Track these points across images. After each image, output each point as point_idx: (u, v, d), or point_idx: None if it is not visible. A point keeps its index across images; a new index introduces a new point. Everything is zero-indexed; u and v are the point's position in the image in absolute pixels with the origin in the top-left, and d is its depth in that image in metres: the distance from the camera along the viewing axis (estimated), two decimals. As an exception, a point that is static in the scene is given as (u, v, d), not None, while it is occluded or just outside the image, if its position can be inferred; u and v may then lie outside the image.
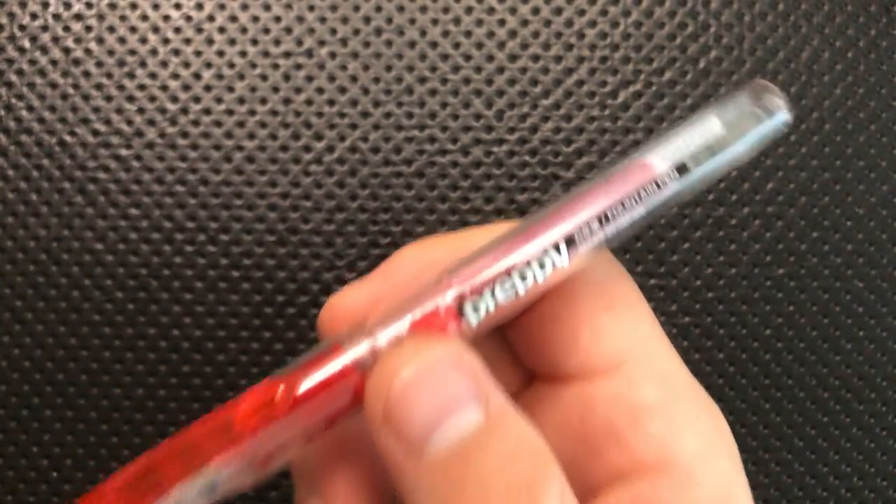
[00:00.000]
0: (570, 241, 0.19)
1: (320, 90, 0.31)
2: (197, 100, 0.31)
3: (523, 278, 0.19)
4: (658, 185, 0.19)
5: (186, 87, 0.31)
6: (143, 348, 0.31)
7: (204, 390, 0.31)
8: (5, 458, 0.31)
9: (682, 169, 0.19)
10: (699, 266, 0.31)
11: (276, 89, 0.31)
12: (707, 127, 0.19)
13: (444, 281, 0.19)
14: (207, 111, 0.31)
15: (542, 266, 0.19)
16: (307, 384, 0.18)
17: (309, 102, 0.31)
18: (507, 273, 0.19)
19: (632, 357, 0.20)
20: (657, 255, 0.31)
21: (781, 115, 0.20)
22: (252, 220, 0.31)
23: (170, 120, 0.31)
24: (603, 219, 0.19)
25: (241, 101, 0.31)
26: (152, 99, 0.31)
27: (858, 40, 0.32)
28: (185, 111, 0.31)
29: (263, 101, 0.31)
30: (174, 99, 0.31)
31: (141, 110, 0.31)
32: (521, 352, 0.21)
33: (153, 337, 0.31)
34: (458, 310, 0.18)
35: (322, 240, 0.31)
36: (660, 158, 0.19)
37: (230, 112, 0.31)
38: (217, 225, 0.31)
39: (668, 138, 0.20)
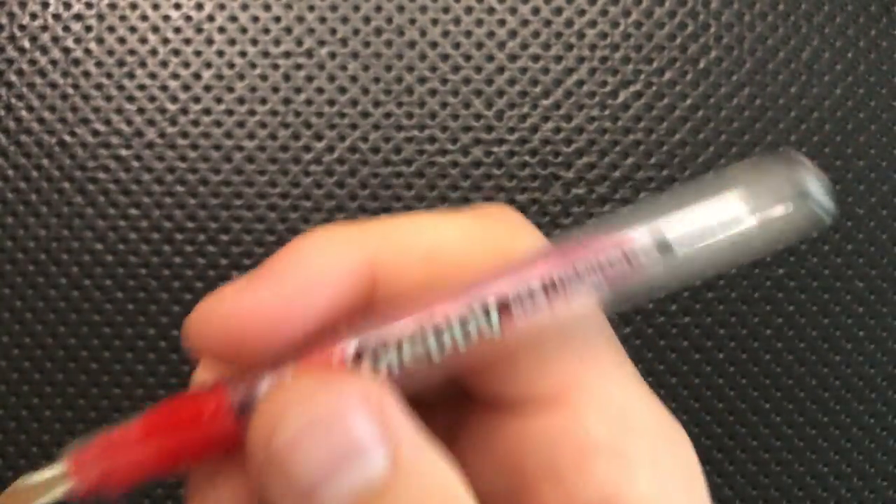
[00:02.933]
0: (504, 307, 0.16)
1: (320, 90, 0.31)
2: (197, 100, 0.31)
3: (439, 342, 0.16)
4: (629, 261, 0.16)
5: (186, 88, 0.31)
6: (142, 348, 0.31)
7: (204, 390, 0.31)
8: (5, 459, 0.31)
9: (664, 247, 0.16)
10: (699, 266, 0.31)
11: (275, 89, 0.31)
12: (716, 202, 0.16)
13: (342, 331, 0.16)
14: (207, 111, 0.31)
15: (465, 332, 0.16)
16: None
17: (309, 102, 0.31)
18: (419, 332, 0.16)
19: (580, 387, 0.17)
20: (657, 255, 0.31)
21: (818, 201, 0.16)
22: (252, 220, 0.31)
23: (170, 120, 0.31)
24: (550, 288, 0.16)
25: (241, 101, 0.31)
26: (152, 99, 0.31)
27: (858, 40, 0.32)
28: (184, 111, 0.31)
29: (263, 101, 0.31)
30: (174, 99, 0.31)
31: (141, 110, 0.31)
32: (461, 377, 0.18)
33: (153, 337, 0.31)
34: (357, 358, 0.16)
35: (322, 240, 0.31)
36: (642, 229, 0.16)
37: (230, 112, 0.31)
38: (217, 225, 0.31)
39: (661, 206, 0.16)
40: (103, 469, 0.17)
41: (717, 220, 0.16)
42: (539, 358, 0.17)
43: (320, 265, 0.16)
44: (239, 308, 0.16)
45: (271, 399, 0.15)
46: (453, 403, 0.19)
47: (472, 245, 0.17)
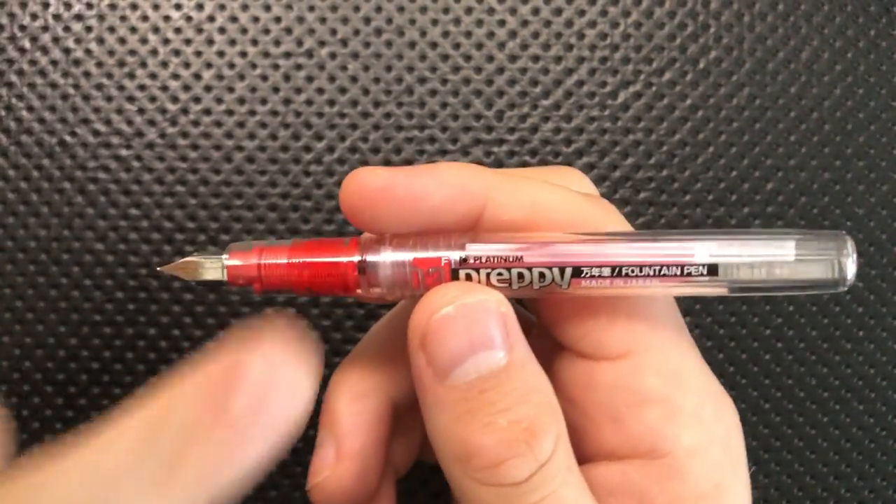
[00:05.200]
0: (578, 272, 0.20)
1: (320, 90, 0.31)
2: (197, 100, 0.31)
3: (520, 278, 0.20)
4: (682, 273, 0.20)
5: (187, 88, 0.31)
6: (143, 348, 0.31)
7: (204, 390, 0.31)
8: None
9: (713, 269, 0.20)
10: (699, 266, 0.31)
11: (276, 90, 0.31)
12: (773, 246, 0.20)
13: (460, 240, 0.21)
14: (208, 111, 0.31)
15: (542, 277, 0.20)
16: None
17: (309, 103, 0.31)
18: (507, 266, 0.20)
19: (641, 350, 0.21)
20: (657, 255, 0.31)
21: (843, 281, 0.20)
22: (252, 219, 0.31)
23: (170, 120, 0.31)
24: (615, 270, 0.20)
25: (242, 101, 0.31)
26: (152, 99, 0.31)
27: (858, 40, 0.32)
28: (185, 111, 0.31)
29: (264, 101, 0.31)
30: (174, 99, 0.31)
31: (141, 110, 0.31)
32: (546, 318, 0.22)
33: (153, 337, 0.31)
34: (453, 273, 0.20)
35: (322, 240, 0.31)
36: (703, 249, 0.20)
37: (230, 112, 0.31)
38: (217, 225, 0.31)
39: (730, 237, 0.20)
40: (255, 266, 0.21)
41: (764, 256, 0.20)
42: (615, 318, 0.21)
43: (458, 181, 0.21)
44: (396, 183, 0.20)
45: (433, 293, 0.20)
46: (543, 343, 0.22)
47: (571, 211, 0.21)
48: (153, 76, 0.31)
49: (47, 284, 0.30)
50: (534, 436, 0.19)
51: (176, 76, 0.31)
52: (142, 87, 0.31)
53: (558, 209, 0.21)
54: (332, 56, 0.31)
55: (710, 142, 0.31)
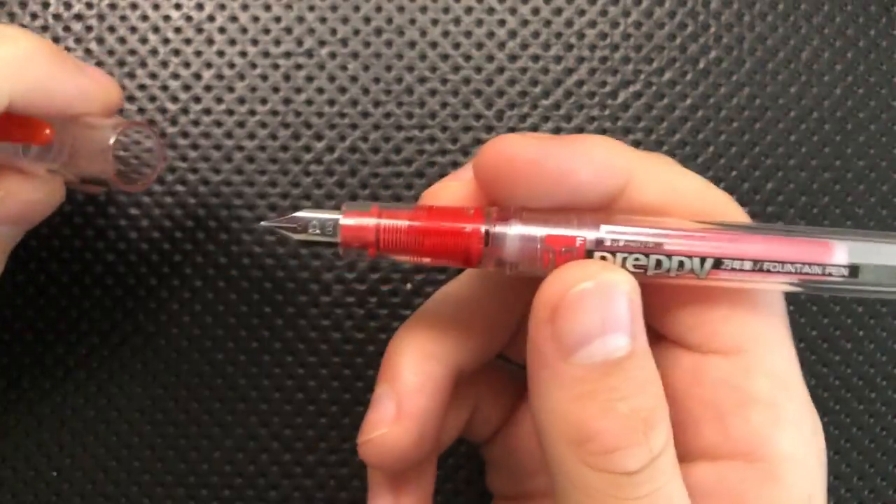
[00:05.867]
0: (718, 263, 0.19)
1: (320, 90, 0.31)
2: (197, 100, 0.31)
3: (658, 265, 0.20)
4: (823, 272, 0.19)
5: (187, 87, 0.31)
6: (141, 347, 0.31)
7: (203, 389, 0.31)
8: (5, 460, 0.31)
9: (854, 271, 0.19)
10: (699, 266, 0.31)
11: (276, 89, 0.31)
12: None
13: (595, 220, 0.20)
14: (208, 111, 0.31)
15: (680, 266, 0.20)
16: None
17: (309, 102, 0.31)
18: (646, 252, 0.19)
19: (754, 347, 0.20)
20: (657, 255, 0.31)
21: None
22: (252, 220, 0.31)
23: (170, 120, 0.31)
24: (756, 264, 0.19)
25: (242, 101, 0.31)
26: (152, 99, 0.31)
27: (858, 40, 0.32)
28: (185, 111, 0.31)
29: (264, 101, 0.31)
30: (174, 99, 0.31)
31: (141, 110, 0.31)
32: (656, 307, 0.22)
33: (153, 335, 0.31)
34: (588, 254, 0.19)
35: (322, 240, 0.31)
36: (845, 249, 0.19)
37: (230, 112, 0.31)
38: (217, 225, 0.31)
39: (869, 237, 0.20)
40: (373, 228, 0.20)
41: None
42: (733, 311, 0.20)
43: (606, 157, 0.20)
44: (549, 155, 0.19)
45: (571, 266, 0.19)
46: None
47: (707, 200, 0.20)
48: (153, 76, 0.31)
49: (49, 282, 0.30)
50: (651, 427, 0.18)
51: (176, 76, 0.31)
52: (142, 87, 0.31)
53: (695, 196, 0.20)
54: (332, 56, 0.31)
55: (710, 142, 0.31)
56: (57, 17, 0.31)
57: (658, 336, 0.22)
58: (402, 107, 0.31)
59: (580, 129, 0.31)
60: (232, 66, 0.31)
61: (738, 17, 0.31)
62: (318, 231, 0.20)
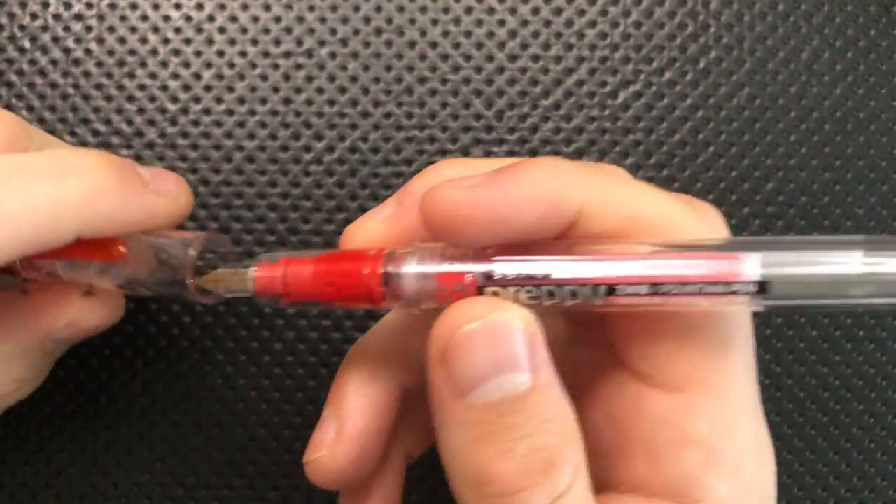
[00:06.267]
0: (612, 290, 0.19)
1: (320, 90, 0.31)
2: (197, 100, 0.31)
3: (550, 295, 0.19)
4: (728, 290, 0.18)
5: (186, 87, 0.31)
6: (142, 347, 0.31)
7: (203, 389, 0.31)
8: (5, 461, 0.31)
9: (762, 287, 0.18)
10: (699, 266, 0.31)
11: (276, 89, 0.31)
12: (835, 256, 0.17)
13: (488, 254, 0.19)
14: (207, 111, 0.31)
15: (573, 294, 0.19)
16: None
17: (309, 102, 0.31)
18: (536, 283, 0.19)
19: (698, 389, 0.20)
20: (657, 255, 0.31)
21: None
22: (252, 220, 0.31)
23: (170, 120, 0.31)
24: (653, 287, 0.18)
25: (242, 101, 0.31)
26: (152, 99, 0.31)
27: (858, 40, 0.32)
28: (185, 111, 0.31)
29: (263, 101, 0.31)
30: (174, 99, 0.31)
31: (141, 110, 0.31)
32: (610, 326, 0.21)
33: (153, 335, 0.31)
34: (479, 290, 0.19)
35: (322, 240, 0.31)
36: (753, 262, 0.18)
37: (230, 112, 0.31)
38: (217, 225, 0.31)
39: (787, 246, 0.18)
40: (280, 280, 0.21)
41: (824, 268, 0.17)
42: (682, 347, 0.19)
43: (551, 194, 0.19)
44: (479, 203, 0.19)
45: (458, 306, 0.19)
46: (590, 352, 0.22)
47: (669, 223, 0.19)
48: (153, 76, 0.31)
49: (47, 284, 0.30)
50: (553, 466, 0.18)
51: (176, 76, 0.31)
52: (141, 87, 0.31)
53: (655, 221, 0.19)
54: (332, 56, 0.31)
55: (710, 142, 0.31)
56: (57, 17, 0.31)
57: (610, 357, 0.21)
58: (402, 107, 0.31)
59: (580, 129, 0.31)
60: (232, 66, 0.31)
61: (738, 17, 0.31)
62: (234, 286, 0.22)
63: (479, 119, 0.31)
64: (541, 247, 0.19)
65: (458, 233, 0.19)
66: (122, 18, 0.31)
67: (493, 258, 0.19)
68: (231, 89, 0.31)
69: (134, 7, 0.31)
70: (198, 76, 0.31)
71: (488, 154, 0.31)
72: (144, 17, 0.31)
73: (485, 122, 0.31)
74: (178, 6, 0.31)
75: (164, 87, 0.31)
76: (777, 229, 0.31)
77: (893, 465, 0.31)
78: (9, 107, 0.31)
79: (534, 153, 0.31)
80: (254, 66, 0.31)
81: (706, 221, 0.20)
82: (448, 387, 0.19)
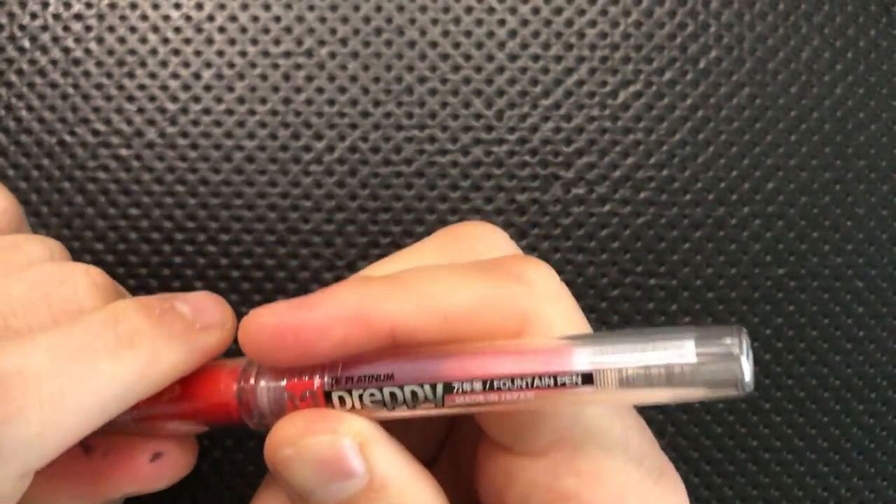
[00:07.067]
0: (449, 388, 0.19)
1: (320, 90, 0.31)
2: (197, 99, 0.31)
3: (393, 397, 0.19)
4: (556, 383, 0.18)
5: (186, 87, 0.31)
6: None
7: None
8: (5, 458, 0.31)
9: (587, 379, 0.18)
10: (699, 266, 0.31)
11: (276, 89, 0.31)
12: (667, 347, 0.18)
13: (336, 363, 0.20)
14: (207, 111, 0.31)
15: (414, 396, 0.19)
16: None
17: (309, 102, 0.31)
18: (378, 385, 0.19)
19: (562, 447, 0.20)
20: (657, 255, 0.31)
21: (739, 388, 0.17)
22: (252, 219, 0.31)
23: (170, 120, 0.31)
24: (486, 383, 0.19)
25: (241, 100, 0.31)
26: (152, 99, 0.31)
27: (858, 40, 0.32)
28: (184, 111, 0.31)
29: (263, 100, 0.31)
30: (174, 99, 0.31)
31: (141, 110, 0.31)
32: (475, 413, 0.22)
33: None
34: (326, 396, 0.19)
35: (322, 240, 0.31)
36: (583, 356, 0.18)
37: (230, 112, 0.31)
38: (217, 225, 0.31)
39: (620, 338, 0.18)
40: (146, 407, 0.21)
41: (656, 359, 0.18)
42: (535, 415, 0.20)
43: (357, 314, 0.19)
44: (285, 329, 0.19)
45: (284, 421, 0.19)
46: (471, 434, 0.22)
47: (485, 311, 0.19)
48: (153, 76, 0.31)
49: (47, 284, 0.30)
50: None
51: (175, 76, 0.31)
52: (141, 87, 0.31)
53: (473, 312, 0.19)
54: (332, 55, 0.31)
55: (710, 142, 0.31)
56: (56, 16, 0.31)
57: (482, 436, 0.22)
58: (402, 107, 0.31)
59: (580, 129, 0.31)
60: (232, 65, 0.31)
61: (738, 17, 0.31)
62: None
63: (479, 119, 0.31)
64: (390, 352, 0.19)
65: (272, 357, 0.20)
66: (122, 18, 0.31)
67: (341, 364, 0.19)
68: (231, 89, 0.31)
69: (134, 7, 0.31)
70: (197, 76, 0.31)
71: (488, 154, 0.31)
72: (144, 17, 0.31)
73: (485, 122, 0.31)
74: (177, 6, 0.31)
75: (164, 87, 0.31)
76: (777, 229, 0.31)
77: (893, 465, 0.32)
78: (8, 107, 0.31)
79: (534, 153, 0.31)
80: (253, 65, 0.31)
81: (518, 286, 0.20)
82: (291, 493, 0.20)
